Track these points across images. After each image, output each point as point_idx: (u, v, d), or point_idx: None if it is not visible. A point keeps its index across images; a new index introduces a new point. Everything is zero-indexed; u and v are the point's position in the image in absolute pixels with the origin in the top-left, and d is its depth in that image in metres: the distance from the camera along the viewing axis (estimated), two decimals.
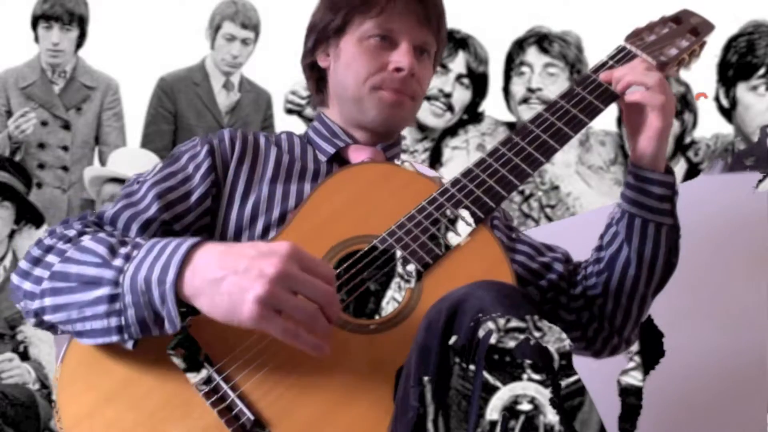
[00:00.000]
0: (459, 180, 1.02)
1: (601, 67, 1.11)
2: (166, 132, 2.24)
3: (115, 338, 0.85)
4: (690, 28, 1.17)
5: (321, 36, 1.22)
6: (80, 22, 2.27)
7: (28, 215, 2.17)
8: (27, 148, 2.23)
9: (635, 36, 1.16)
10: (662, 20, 1.19)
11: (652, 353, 1.42)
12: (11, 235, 2.17)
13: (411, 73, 1.15)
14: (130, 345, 0.86)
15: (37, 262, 0.93)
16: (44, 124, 2.24)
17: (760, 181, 1.51)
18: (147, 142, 2.23)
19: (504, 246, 1.15)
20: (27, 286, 0.92)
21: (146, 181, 1.07)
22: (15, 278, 0.94)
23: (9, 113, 2.23)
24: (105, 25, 2.26)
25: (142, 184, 1.07)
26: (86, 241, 0.91)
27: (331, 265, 0.95)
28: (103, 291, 0.85)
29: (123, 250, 0.88)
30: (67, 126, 2.25)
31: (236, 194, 1.09)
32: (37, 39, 2.27)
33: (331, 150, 1.19)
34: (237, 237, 1.07)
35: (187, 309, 0.84)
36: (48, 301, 0.89)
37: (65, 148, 2.24)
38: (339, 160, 1.19)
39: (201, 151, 1.11)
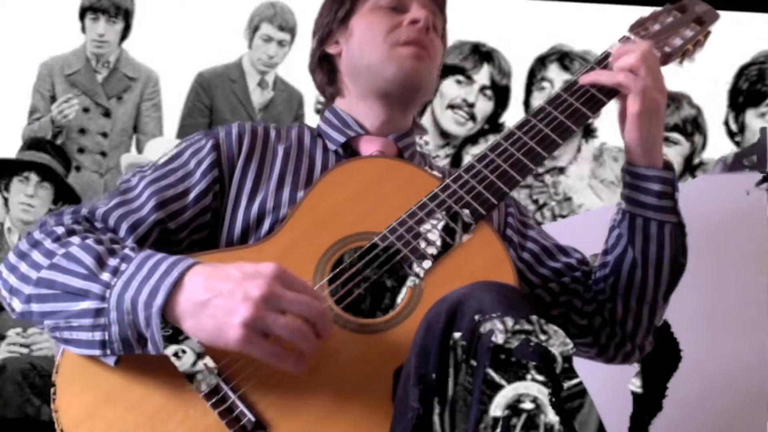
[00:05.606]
0: (461, 176, 0.99)
1: (606, 57, 1.08)
2: (202, 125, 2.30)
3: (98, 352, 0.84)
4: (695, 17, 1.14)
5: (328, 29, 1.20)
6: (125, 15, 2.36)
7: (66, 197, 2.25)
8: (68, 133, 2.31)
9: (639, 26, 1.13)
10: (667, 9, 1.16)
11: (668, 360, 1.44)
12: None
13: (426, 27, 1.12)
14: (111, 361, 0.85)
15: (23, 256, 0.91)
16: (86, 110, 2.32)
17: (760, 181, 1.51)
18: (183, 134, 2.30)
19: (512, 243, 1.18)
20: (13, 281, 0.91)
21: (145, 177, 1.03)
22: (4, 270, 0.92)
23: (53, 98, 2.31)
24: (149, 20, 2.35)
25: (141, 179, 1.03)
26: (74, 248, 0.88)
27: (332, 262, 0.94)
28: (90, 304, 0.84)
29: (111, 262, 0.86)
30: (107, 113, 2.33)
31: (243, 193, 1.06)
32: (83, 29, 2.35)
33: (341, 139, 1.14)
34: (244, 237, 1.04)
35: (172, 331, 0.83)
36: (35, 307, 0.88)
37: (104, 135, 2.32)
38: (350, 152, 1.15)
39: (205, 145, 1.07)
